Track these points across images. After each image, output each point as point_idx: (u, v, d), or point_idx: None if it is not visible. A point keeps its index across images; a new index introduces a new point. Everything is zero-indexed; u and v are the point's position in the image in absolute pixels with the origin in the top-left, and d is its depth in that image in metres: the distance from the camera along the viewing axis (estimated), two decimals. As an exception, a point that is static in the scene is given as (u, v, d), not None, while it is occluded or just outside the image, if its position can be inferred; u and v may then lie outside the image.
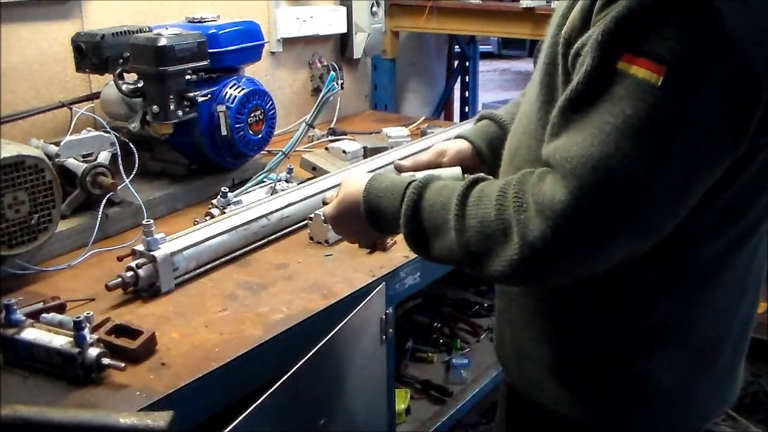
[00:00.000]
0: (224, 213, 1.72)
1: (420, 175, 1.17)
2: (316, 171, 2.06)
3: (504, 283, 1.13)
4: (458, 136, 1.40)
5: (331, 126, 2.69)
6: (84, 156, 1.69)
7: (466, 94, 3.73)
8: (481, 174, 1.05)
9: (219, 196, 1.77)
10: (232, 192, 1.82)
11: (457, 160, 1.36)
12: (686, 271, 1.01)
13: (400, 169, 1.35)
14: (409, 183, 1.07)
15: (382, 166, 2.07)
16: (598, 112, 0.87)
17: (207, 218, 1.72)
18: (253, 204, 1.74)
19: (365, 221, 1.13)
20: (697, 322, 1.04)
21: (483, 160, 1.36)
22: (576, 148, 0.87)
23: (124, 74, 1.88)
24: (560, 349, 1.10)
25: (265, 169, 1.96)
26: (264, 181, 1.94)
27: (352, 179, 1.17)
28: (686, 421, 1.12)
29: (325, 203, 1.27)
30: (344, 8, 2.89)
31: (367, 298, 1.45)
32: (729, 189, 0.93)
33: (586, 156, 0.86)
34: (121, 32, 1.92)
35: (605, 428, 1.11)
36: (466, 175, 1.30)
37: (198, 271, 1.55)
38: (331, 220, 1.21)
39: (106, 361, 1.17)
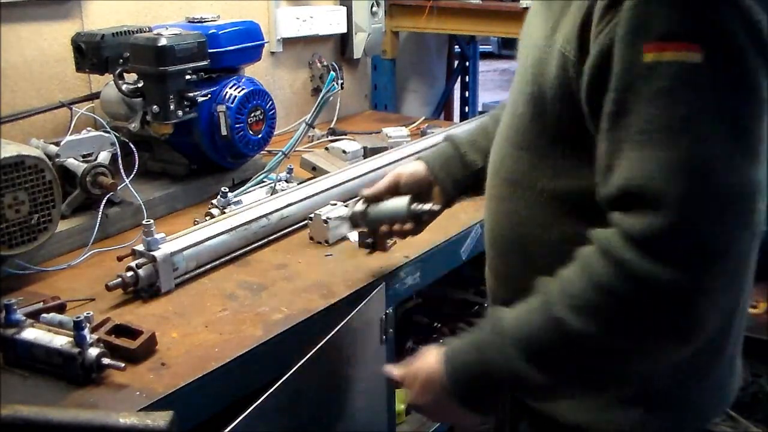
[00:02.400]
0: (224, 213, 1.72)
1: (358, 207, 1.27)
2: (316, 171, 2.06)
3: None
4: (417, 158, 1.41)
5: (331, 126, 2.69)
6: (84, 156, 1.69)
7: (466, 94, 3.73)
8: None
9: (219, 196, 1.77)
10: (232, 192, 1.82)
11: (412, 182, 1.37)
12: None
13: (365, 197, 1.38)
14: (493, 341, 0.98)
15: (383, 166, 2.07)
16: (653, 114, 0.83)
17: (207, 218, 1.72)
18: (253, 204, 1.75)
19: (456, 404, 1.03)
20: None
21: (438, 182, 1.36)
22: (654, 164, 0.83)
23: (124, 74, 1.88)
24: None
25: (265, 169, 1.96)
26: (264, 181, 1.94)
27: (425, 365, 1.09)
28: (689, 422, 1.11)
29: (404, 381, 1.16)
30: (344, 8, 2.89)
31: (367, 298, 1.45)
32: None
33: (673, 162, 0.82)
34: (121, 32, 1.92)
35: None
36: (415, 206, 1.33)
37: (198, 271, 1.55)
38: (421, 410, 1.14)
39: (106, 361, 1.16)
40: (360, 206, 1.40)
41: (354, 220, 1.42)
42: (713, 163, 0.82)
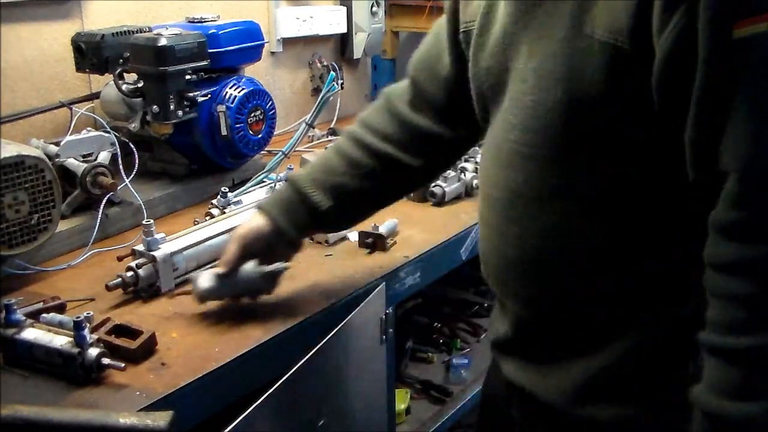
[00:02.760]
0: (224, 213, 1.72)
1: (205, 284, 1.28)
2: (316, 171, 2.06)
3: None
4: (258, 207, 1.36)
5: (331, 126, 2.69)
6: (84, 156, 1.69)
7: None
8: None
9: (219, 196, 1.77)
10: (232, 192, 1.82)
11: (259, 243, 1.31)
12: None
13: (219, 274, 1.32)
14: None
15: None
16: (749, 95, 0.82)
17: (207, 218, 1.72)
18: (253, 204, 1.74)
19: None
20: None
21: (282, 231, 1.32)
22: (744, 147, 0.82)
23: (124, 74, 1.88)
24: None
25: (265, 169, 1.96)
26: (264, 181, 1.94)
27: None
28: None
29: None
30: (344, 8, 2.89)
31: (367, 298, 1.45)
32: None
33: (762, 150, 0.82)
34: (121, 32, 1.92)
35: (626, 427, 1.06)
36: (266, 269, 1.32)
37: (198, 271, 1.54)
38: None
39: (106, 361, 1.16)
40: (207, 282, 1.33)
41: (203, 299, 1.35)
42: None
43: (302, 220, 1.32)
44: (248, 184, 1.93)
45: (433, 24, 1.33)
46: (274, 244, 1.33)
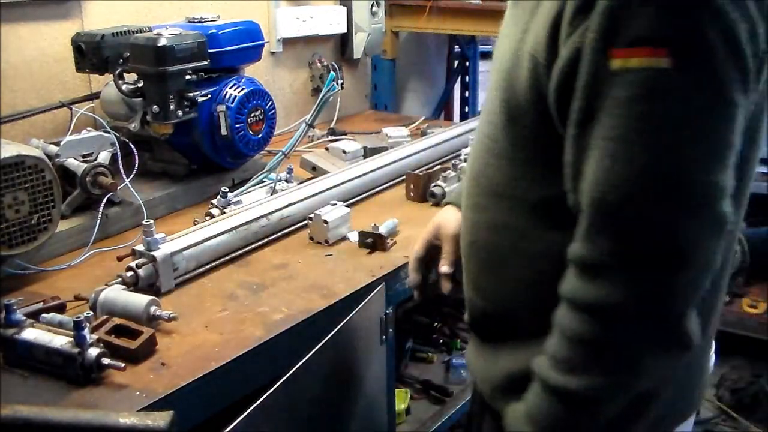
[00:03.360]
0: (224, 213, 1.72)
1: None
2: (316, 171, 2.06)
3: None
4: (446, 203, 1.35)
5: (331, 126, 2.69)
6: (84, 156, 1.69)
7: (466, 94, 3.73)
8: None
9: (219, 196, 1.77)
10: (232, 192, 1.82)
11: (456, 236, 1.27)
12: None
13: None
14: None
15: (382, 166, 2.07)
16: (618, 122, 0.82)
17: (207, 218, 1.72)
18: (253, 204, 1.75)
19: None
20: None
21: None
22: (593, 184, 0.84)
23: (124, 74, 1.88)
24: None
25: (265, 169, 1.96)
26: (264, 181, 1.94)
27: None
28: (685, 409, 1.11)
29: None
30: (344, 8, 2.89)
31: (367, 298, 1.45)
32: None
33: (639, 169, 0.81)
34: (121, 32, 1.92)
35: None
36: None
37: (198, 271, 1.55)
38: None
39: (106, 361, 1.16)
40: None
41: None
42: (680, 168, 0.82)
43: None
44: (248, 184, 1.94)
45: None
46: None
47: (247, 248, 1.66)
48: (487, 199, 1.07)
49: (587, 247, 0.87)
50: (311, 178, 1.99)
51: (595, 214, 0.85)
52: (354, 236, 1.71)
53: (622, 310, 0.85)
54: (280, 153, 1.96)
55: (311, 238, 1.72)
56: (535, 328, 1.00)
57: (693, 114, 0.82)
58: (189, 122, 1.89)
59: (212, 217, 1.72)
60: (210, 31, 1.95)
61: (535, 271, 1.02)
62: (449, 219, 1.29)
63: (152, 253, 1.44)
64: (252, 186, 1.93)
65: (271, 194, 1.85)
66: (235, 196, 1.81)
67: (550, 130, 0.93)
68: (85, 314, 1.20)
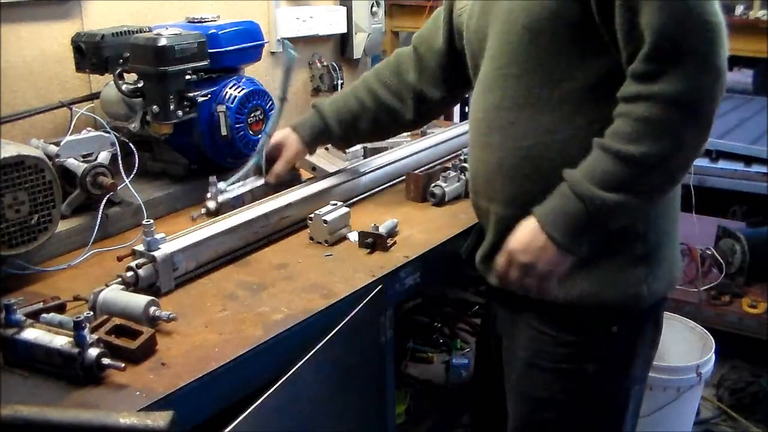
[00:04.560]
0: (218, 203, 1.72)
1: None
2: (316, 171, 2.06)
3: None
4: (292, 127, 1.85)
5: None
6: (84, 156, 1.69)
7: (466, 94, 3.72)
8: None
9: (209, 186, 1.76)
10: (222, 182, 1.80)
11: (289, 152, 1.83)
12: None
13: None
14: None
15: (382, 166, 2.07)
16: None
17: (203, 211, 1.72)
18: (253, 204, 1.75)
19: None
20: None
21: (306, 145, 1.84)
22: (654, 18, 1.16)
23: (124, 74, 1.88)
24: None
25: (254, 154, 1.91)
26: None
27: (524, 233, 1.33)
28: (669, 282, 1.43)
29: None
30: (344, 8, 2.89)
31: (367, 298, 1.45)
32: None
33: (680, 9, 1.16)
34: (121, 32, 1.92)
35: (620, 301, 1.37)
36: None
37: (198, 271, 1.55)
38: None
39: (106, 361, 1.16)
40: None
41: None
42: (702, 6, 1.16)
43: (318, 138, 1.87)
44: (236, 176, 1.88)
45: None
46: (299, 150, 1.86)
47: (247, 248, 1.66)
48: (509, 117, 1.36)
49: (653, 62, 1.18)
50: (311, 178, 1.99)
51: (659, 38, 1.16)
52: (354, 236, 1.71)
53: (677, 98, 1.17)
54: (264, 134, 1.91)
55: (311, 238, 1.73)
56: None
57: None
58: (189, 122, 1.89)
59: (208, 210, 1.72)
60: (210, 32, 1.95)
61: (563, 163, 1.29)
62: (283, 133, 1.84)
63: (152, 253, 1.44)
64: (240, 176, 1.89)
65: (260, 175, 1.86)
66: (227, 186, 1.80)
67: (574, 20, 1.26)
68: (85, 314, 1.19)
